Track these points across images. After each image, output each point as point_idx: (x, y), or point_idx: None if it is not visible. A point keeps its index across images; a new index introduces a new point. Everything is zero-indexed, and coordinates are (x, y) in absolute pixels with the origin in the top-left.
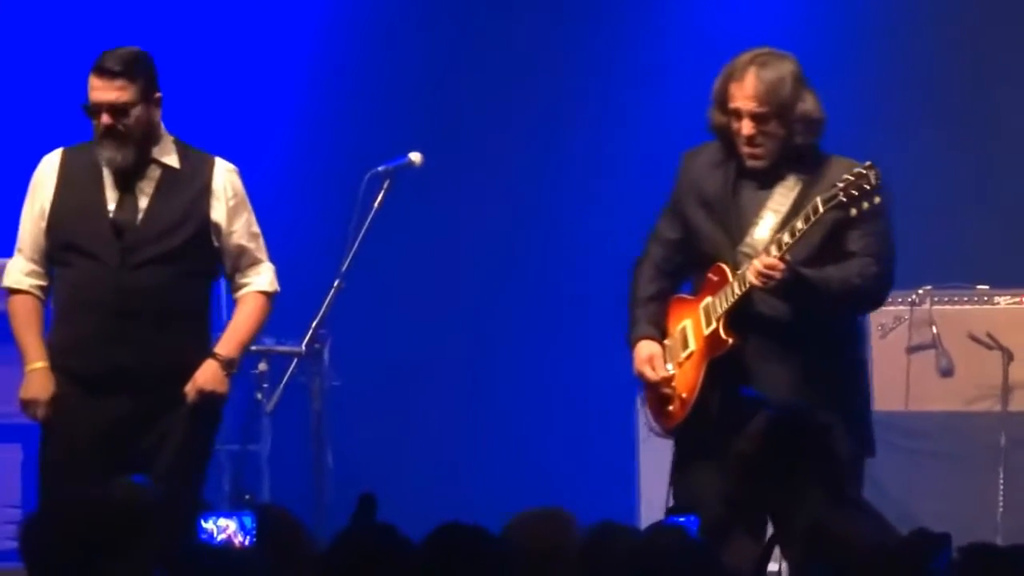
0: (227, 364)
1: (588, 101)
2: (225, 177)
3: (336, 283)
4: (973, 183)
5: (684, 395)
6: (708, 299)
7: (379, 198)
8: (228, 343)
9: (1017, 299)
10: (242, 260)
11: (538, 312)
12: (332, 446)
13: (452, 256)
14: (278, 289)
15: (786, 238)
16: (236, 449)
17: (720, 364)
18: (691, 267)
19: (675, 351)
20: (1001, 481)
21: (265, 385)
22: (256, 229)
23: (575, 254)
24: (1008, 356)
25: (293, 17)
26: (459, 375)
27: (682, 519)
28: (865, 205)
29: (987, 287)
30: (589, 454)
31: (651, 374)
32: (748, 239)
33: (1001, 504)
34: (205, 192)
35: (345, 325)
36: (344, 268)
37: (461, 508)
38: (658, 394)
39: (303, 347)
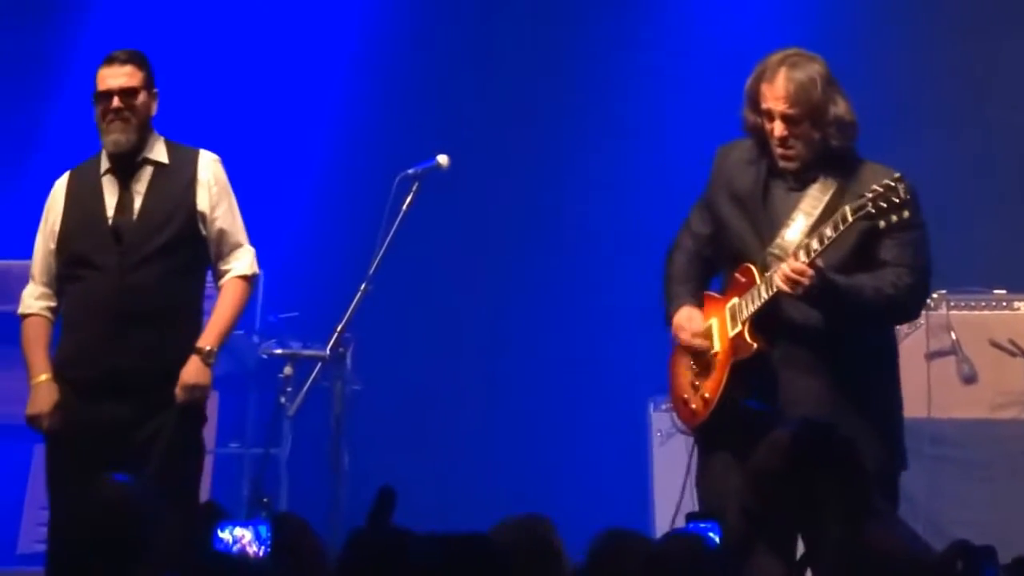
0: (207, 355)
1: (616, 105)
2: (209, 167)
3: (363, 286)
4: (987, 186)
5: (707, 395)
6: (735, 300)
7: (408, 200)
8: (208, 334)
9: None
10: (223, 245)
11: (559, 318)
12: (350, 450)
13: (474, 261)
14: (257, 271)
15: (815, 244)
16: (257, 453)
17: (744, 367)
18: (721, 262)
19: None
20: None
21: (289, 389)
22: (236, 213)
23: (599, 259)
24: None
25: (324, 23)
26: (478, 381)
27: (703, 525)
28: (893, 218)
29: (1004, 291)
30: (605, 459)
31: (685, 335)
32: (778, 240)
33: None
34: (192, 183)
35: (368, 329)
36: (372, 271)
37: (478, 512)
38: (683, 388)
39: (328, 351)
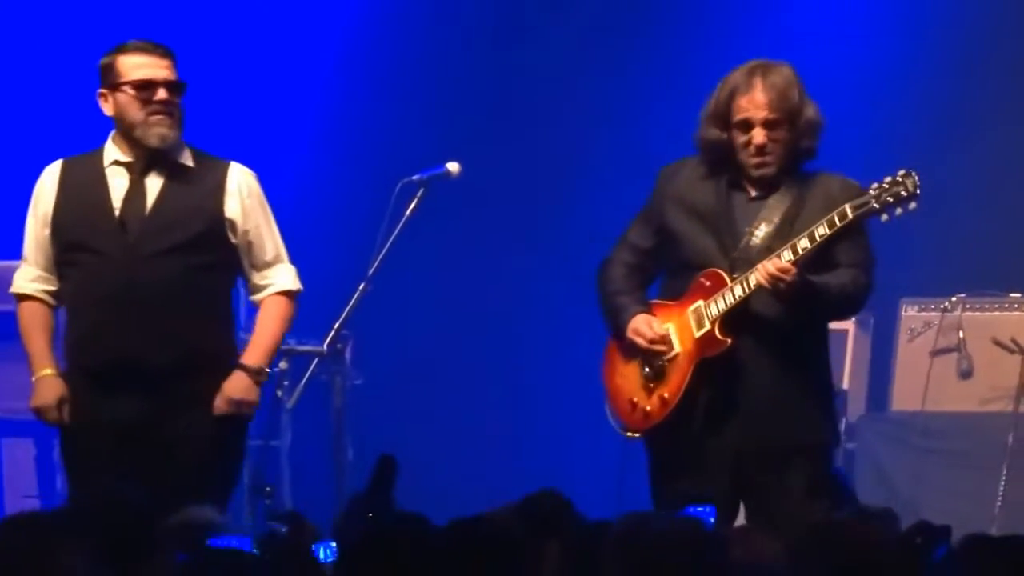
0: (255, 373)
1: (625, 115)
2: (240, 177)
3: (362, 285)
4: (1010, 192)
5: (666, 395)
6: (699, 303)
7: (412, 206)
8: (255, 352)
9: None
10: (258, 258)
11: (555, 316)
12: (352, 442)
13: (474, 261)
14: (301, 288)
15: (804, 243)
16: (257, 444)
17: (708, 364)
18: (667, 275)
19: None
20: (1003, 478)
21: (286, 383)
22: (275, 228)
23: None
24: None
25: (333, 23)
26: (477, 375)
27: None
28: (899, 212)
29: (1019, 295)
30: (607, 452)
31: (647, 332)
32: (742, 247)
33: (1000, 500)
34: (218, 190)
35: (369, 326)
36: (371, 272)
37: (479, 503)
38: (630, 392)
39: (324, 347)
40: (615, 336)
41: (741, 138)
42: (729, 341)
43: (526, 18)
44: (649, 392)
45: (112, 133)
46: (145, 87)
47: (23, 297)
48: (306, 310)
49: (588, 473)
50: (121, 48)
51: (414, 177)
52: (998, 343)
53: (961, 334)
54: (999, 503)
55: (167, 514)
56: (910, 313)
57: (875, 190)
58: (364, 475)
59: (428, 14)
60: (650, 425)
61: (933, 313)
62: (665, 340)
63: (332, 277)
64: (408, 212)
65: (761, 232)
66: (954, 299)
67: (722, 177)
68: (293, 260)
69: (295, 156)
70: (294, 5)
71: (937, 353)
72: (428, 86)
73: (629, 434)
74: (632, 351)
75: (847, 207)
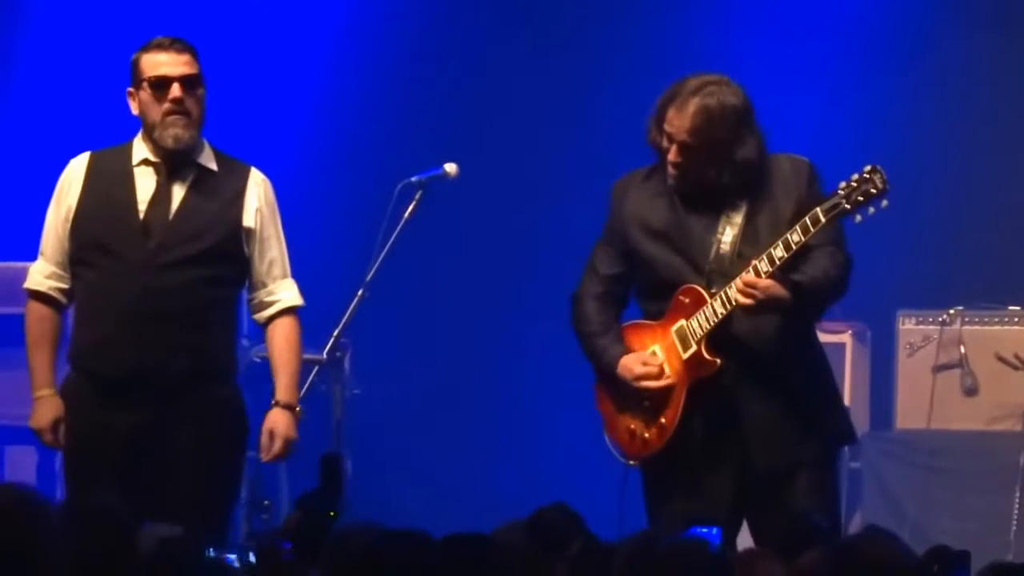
0: (295, 410)
1: (627, 116)
2: (260, 186)
3: (360, 292)
4: (1010, 203)
5: (664, 421)
6: (681, 322)
7: (410, 209)
8: (288, 389)
9: None
10: (269, 271)
11: (560, 326)
12: (351, 454)
13: (474, 268)
14: (303, 303)
15: (780, 252)
16: (254, 456)
17: (700, 387)
18: (641, 297)
19: None
20: (1017, 502)
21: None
22: (283, 242)
23: None
24: None
25: (327, 22)
26: (478, 385)
27: (704, 531)
28: (871, 210)
29: (1019, 308)
30: (611, 465)
31: (655, 384)
32: (712, 258)
33: (1015, 523)
34: (239, 198)
35: (367, 334)
36: (369, 277)
37: (478, 516)
38: (629, 420)
39: (324, 355)
40: (599, 378)
41: (665, 144)
42: (719, 362)
43: (526, 17)
44: (646, 420)
45: (140, 132)
46: (160, 85)
47: (35, 295)
48: (304, 318)
49: (591, 484)
50: (145, 45)
51: (412, 179)
52: (1002, 359)
53: (963, 349)
54: (1014, 527)
55: (164, 527)
56: (908, 326)
57: (844, 189)
58: (361, 488)
59: (423, 13)
60: (651, 452)
61: (931, 326)
62: (660, 373)
63: (330, 283)
64: (407, 214)
65: (728, 237)
66: (952, 312)
67: (672, 190)
68: (291, 266)
69: (290, 159)
70: (286, 3)
71: (939, 369)
72: (427, 89)
73: (631, 463)
74: (623, 383)
75: (819, 210)
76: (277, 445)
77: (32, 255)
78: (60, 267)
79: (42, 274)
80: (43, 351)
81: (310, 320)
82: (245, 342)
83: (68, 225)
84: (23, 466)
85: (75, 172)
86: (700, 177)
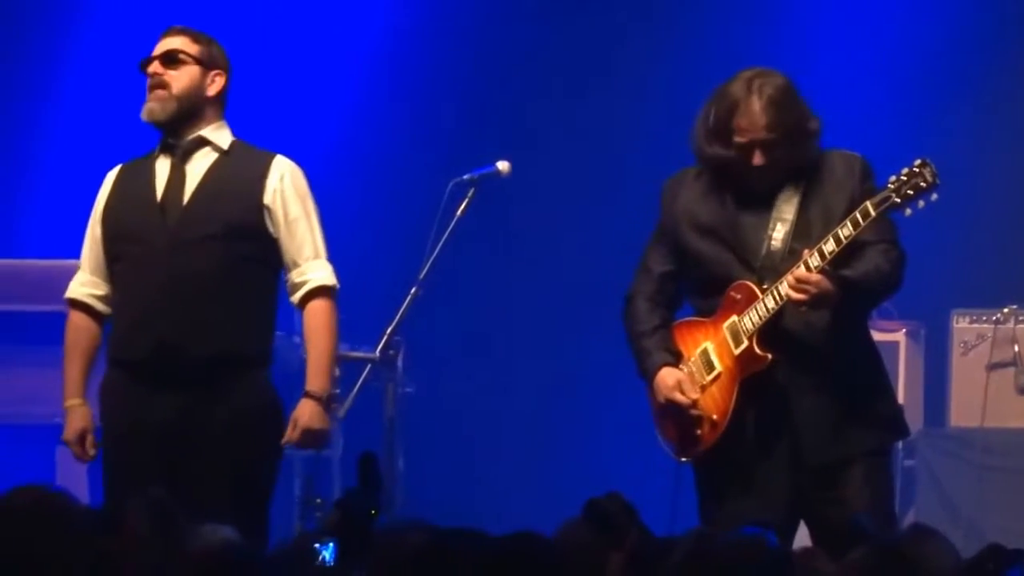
0: (325, 399)
1: (679, 114)
2: (284, 168)
3: (413, 290)
4: None
5: (715, 417)
6: (733, 318)
7: (463, 206)
8: (317, 376)
9: None
10: (300, 252)
11: (613, 323)
12: (404, 452)
13: (526, 265)
14: (337, 284)
15: (830, 247)
16: (308, 455)
17: (751, 383)
18: (693, 295)
19: (698, 375)
20: None
21: (337, 391)
22: (317, 226)
23: None
24: None
25: (380, 18)
26: (532, 383)
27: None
28: (921, 204)
29: None
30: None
31: (683, 398)
32: (764, 255)
33: None
34: (260, 180)
35: (420, 332)
36: (422, 275)
37: (533, 514)
38: (683, 420)
39: (377, 353)
40: (642, 378)
41: (742, 154)
42: (770, 357)
43: (580, 15)
44: (698, 417)
45: None
46: (145, 63)
47: (73, 303)
48: (358, 315)
49: (644, 481)
50: None
51: (464, 177)
52: None
53: (1016, 347)
54: None
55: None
56: (961, 325)
57: (894, 183)
58: (414, 487)
59: (478, 9)
60: (703, 449)
61: (985, 325)
62: (687, 406)
63: (383, 281)
64: (459, 212)
65: (779, 234)
66: (1006, 310)
67: (725, 186)
68: (343, 264)
69: (342, 158)
70: (339, 5)
71: (993, 367)
72: (477, 85)
73: (683, 460)
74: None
75: (869, 204)
76: (295, 434)
77: (78, 252)
78: (96, 274)
79: (79, 282)
80: (75, 360)
81: (363, 318)
82: (297, 339)
83: (99, 227)
84: (74, 465)
85: (108, 180)
86: (786, 164)
